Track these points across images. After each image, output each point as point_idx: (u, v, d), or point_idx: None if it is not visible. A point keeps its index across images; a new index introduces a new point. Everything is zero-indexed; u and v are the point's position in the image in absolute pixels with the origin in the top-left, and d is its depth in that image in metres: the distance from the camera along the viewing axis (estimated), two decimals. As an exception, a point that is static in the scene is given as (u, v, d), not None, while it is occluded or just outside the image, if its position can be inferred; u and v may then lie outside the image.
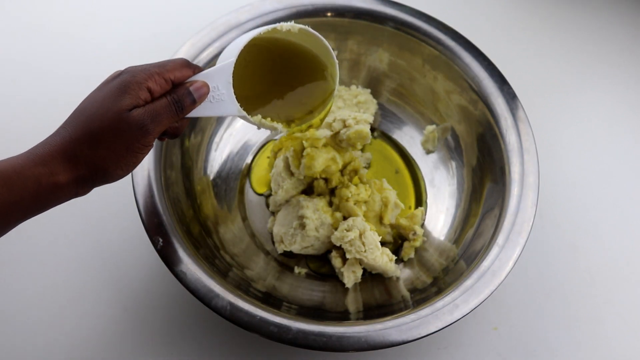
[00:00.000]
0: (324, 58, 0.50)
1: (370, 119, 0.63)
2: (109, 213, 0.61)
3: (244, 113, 0.46)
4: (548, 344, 0.57)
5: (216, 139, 0.64)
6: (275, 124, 0.49)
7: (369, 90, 0.67)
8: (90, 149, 0.39)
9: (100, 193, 0.61)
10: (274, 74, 0.51)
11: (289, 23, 0.46)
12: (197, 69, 0.45)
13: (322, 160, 0.57)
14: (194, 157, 0.61)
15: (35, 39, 0.72)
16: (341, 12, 0.62)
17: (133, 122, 0.40)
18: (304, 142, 0.58)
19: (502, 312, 0.58)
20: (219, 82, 0.45)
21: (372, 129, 0.66)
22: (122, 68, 0.43)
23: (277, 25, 0.46)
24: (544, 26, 0.77)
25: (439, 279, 0.56)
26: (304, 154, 0.57)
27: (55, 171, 0.39)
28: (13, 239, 0.60)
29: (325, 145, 0.58)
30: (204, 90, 0.44)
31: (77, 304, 0.57)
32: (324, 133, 0.58)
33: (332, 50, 0.49)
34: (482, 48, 0.61)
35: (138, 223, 0.52)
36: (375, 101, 0.67)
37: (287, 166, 0.59)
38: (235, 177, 0.64)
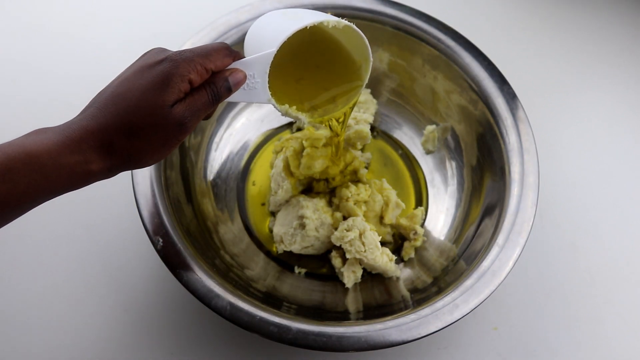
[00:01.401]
0: (359, 54, 0.49)
1: (370, 119, 0.63)
2: (110, 213, 0.61)
3: (274, 102, 0.45)
4: (548, 344, 0.57)
5: (216, 139, 0.64)
6: (300, 115, 0.48)
7: (369, 90, 0.67)
8: (127, 140, 0.39)
9: (100, 193, 0.62)
10: (303, 60, 0.50)
11: (335, 18, 0.45)
12: (237, 56, 0.44)
13: (322, 161, 0.57)
14: (194, 157, 0.61)
15: (35, 39, 0.72)
16: (341, 11, 0.62)
17: (174, 119, 0.40)
18: (304, 142, 0.58)
19: (502, 312, 0.58)
20: (256, 71, 0.44)
21: (372, 128, 0.66)
22: (154, 50, 0.42)
23: (324, 21, 0.44)
24: (544, 26, 0.77)
25: (439, 279, 0.56)
26: (304, 154, 0.57)
27: (90, 160, 0.39)
28: (13, 239, 0.60)
29: (325, 146, 0.58)
30: (241, 79, 0.43)
31: (77, 304, 0.57)
32: (324, 133, 0.58)
33: (370, 49, 0.48)
34: (482, 48, 0.61)
35: (138, 223, 0.52)
36: (375, 101, 0.67)
37: (287, 166, 0.59)
38: (235, 177, 0.64)
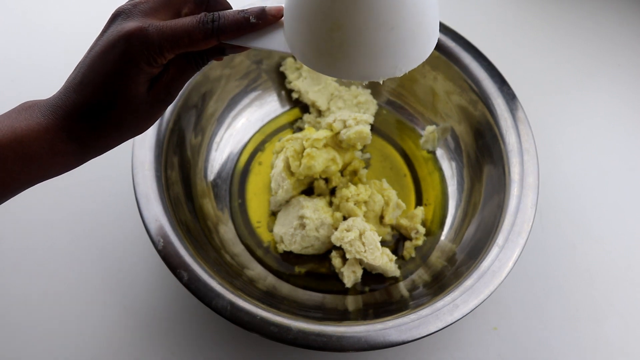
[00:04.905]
0: None
1: (371, 119, 0.63)
2: (110, 213, 0.61)
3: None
4: (548, 344, 0.57)
5: (216, 139, 0.64)
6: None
7: (369, 91, 0.67)
8: (116, 131, 0.39)
9: (101, 194, 0.62)
10: None
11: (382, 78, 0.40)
12: (222, 34, 0.38)
13: (322, 160, 0.57)
14: (194, 158, 0.61)
15: (35, 39, 0.72)
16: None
17: (154, 101, 0.39)
18: (304, 142, 0.58)
19: (502, 312, 0.59)
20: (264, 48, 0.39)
21: (372, 127, 0.66)
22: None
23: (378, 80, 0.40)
24: (544, 26, 0.77)
25: (439, 279, 0.56)
26: (304, 154, 0.57)
27: (81, 148, 0.39)
28: (14, 239, 0.60)
29: (325, 146, 0.58)
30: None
31: (77, 304, 0.57)
32: (324, 133, 0.58)
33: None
34: (482, 48, 0.61)
35: (139, 223, 0.52)
36: (375, 101, 0.67)
37: (288, 166, 0.59)
38: (234, 178, 0.64)
